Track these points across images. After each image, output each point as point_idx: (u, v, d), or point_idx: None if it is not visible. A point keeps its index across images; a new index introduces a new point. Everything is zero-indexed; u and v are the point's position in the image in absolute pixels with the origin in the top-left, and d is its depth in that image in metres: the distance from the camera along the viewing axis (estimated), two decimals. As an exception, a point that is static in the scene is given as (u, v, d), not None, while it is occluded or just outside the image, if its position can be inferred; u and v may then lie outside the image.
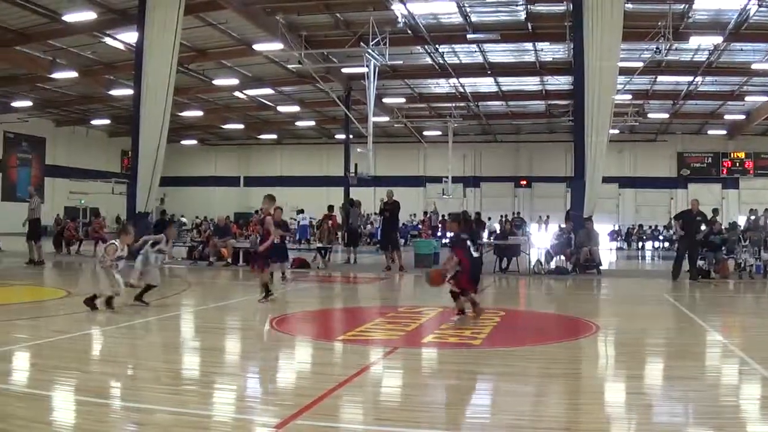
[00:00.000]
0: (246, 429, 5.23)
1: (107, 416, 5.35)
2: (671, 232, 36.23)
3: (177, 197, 50.59)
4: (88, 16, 24.42)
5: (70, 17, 24.40)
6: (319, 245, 22.66)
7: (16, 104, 40.19)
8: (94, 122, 47.55)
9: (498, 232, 24.26)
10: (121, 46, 28.71)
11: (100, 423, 5.10)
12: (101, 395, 5.91)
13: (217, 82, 34.65)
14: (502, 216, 38.51)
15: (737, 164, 47.47)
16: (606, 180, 23.59)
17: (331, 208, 25.80)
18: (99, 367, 7.27)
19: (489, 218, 37.48)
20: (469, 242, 10.45)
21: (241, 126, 48.71)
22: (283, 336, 9.34)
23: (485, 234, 26.19)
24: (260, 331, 10.17)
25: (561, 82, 35.00)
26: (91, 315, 10.50)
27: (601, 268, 20.42)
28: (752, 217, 23.16)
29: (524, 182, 50.84)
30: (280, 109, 42.63)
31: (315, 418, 5.24)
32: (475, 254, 10.52)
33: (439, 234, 35.66)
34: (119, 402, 5.86)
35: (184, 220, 37.18)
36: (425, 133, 46.93)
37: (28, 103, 40.13)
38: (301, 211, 38.31)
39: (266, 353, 8.43)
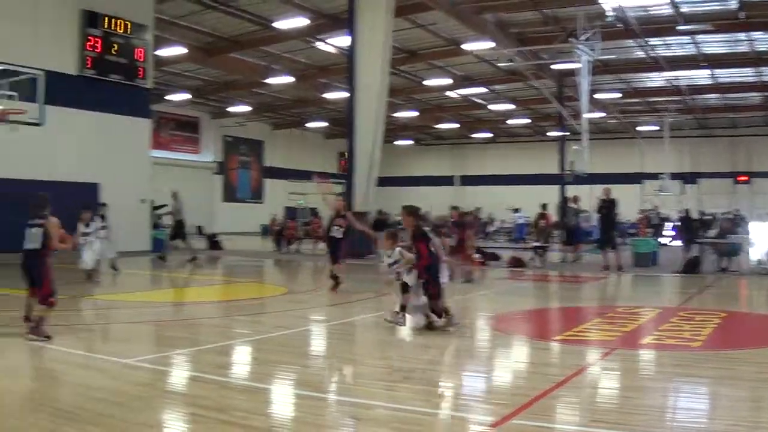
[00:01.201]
0: (462, 427, 5.13)
1: (324, 410, 5.40)
2: None
3: (392, 197, 51.83)
4: (300, 22, 25.50)
5: (281, 24, 25.62)
6: (536, 244, 22.27)
7: (233, 109, 43.12)
8: (310, 125, 49.85)
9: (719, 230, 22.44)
10: (333, 50, 29.79)
11: (318, 416, 5.15)
12: (319, 389, 5.99)
13: (428, 82, 35.02)
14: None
15: None
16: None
17: (545, 206, 25.19)
18: (317, 362, 7.41)
19: (712, 216, 34.74)
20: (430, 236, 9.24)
21: (454, 125, 48.98)
22: (500, 335, 9.21)
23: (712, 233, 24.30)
24: (478, 329, 10.03)
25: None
26: (310, 312, 10.84)
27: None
28: None
29: (743, 178, 47.04)
30: (492, 107, 42.38)
31: (531, 418, 5.08)
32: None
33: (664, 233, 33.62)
34: (337, 396, 5.91)
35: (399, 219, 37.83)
36: (640, 128, 44.78)
37: (246, 108, 42.88)
38: (517, 210, 37.92)
39: (483, 351, 8.35)
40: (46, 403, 5.00)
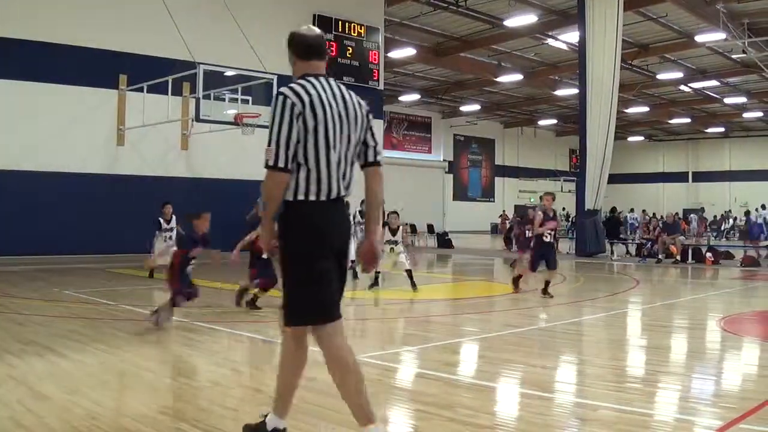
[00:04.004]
0: (687, 430, 4.81)
1: (550, 410, 5.25)
2: None
3: (624, 194, 49.84)
4: (529, 19, 25.19)
5: (511, 22, 25.42)
6: None
7: (464, 108, 43.44)
8: (541, 122, 49.19)
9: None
10: (563, 47, 29.19)
11: (542, 416, 5.00)
12: (545, 389, 5.83)
13: (660, 76, 33.61)
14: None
15: None
16: None
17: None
18: (544, 361, 7.21)
19: None
20: None
21: (687, 120, 46.40)
22: (731, 336, 8.59)
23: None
24: (707, 330, 9.44)
25: None
26: (539, 311, 10.64)
27: None
28: None
29: None
30: (727, 101, 39.91)
31: (760, 423, 4.77)
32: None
33: None
34: (562, 396, 5.74)
35: (635, 216, 36.43)
36: None
37: (476, 107, 43.07)
38: (763, 207, 35.02)
39: (712, 353, 7.85)
40: (269, 394, 5.14)
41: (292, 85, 3.81)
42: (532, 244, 12.62)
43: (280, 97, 3.74)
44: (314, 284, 3.78)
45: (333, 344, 3.83)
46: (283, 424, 4.02)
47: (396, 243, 12.93)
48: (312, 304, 3.80)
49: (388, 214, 13.26)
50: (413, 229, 30.45)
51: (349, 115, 3.86)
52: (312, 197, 3.77)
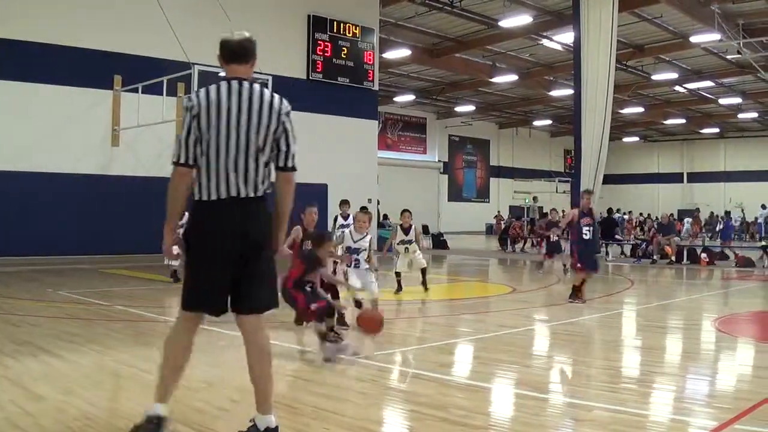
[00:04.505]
0: (682, 431, 4.87)
1: (544, 410, 5.28)
2: None
3: (619, 195, 49.94)
4: (524, 20, 25.22)
5: (506, 22, 25.44)
6: (764, 243, 21.05)
7: (459, 109, 43.48)
8: (536, 123, 49.25)
9: None
10: (558, 47, 29.23)
11: (537, 417, 5.03)
12: (539, 389, 5.85)
13: (655, 77, 33.66)
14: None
15: None
16: None
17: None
18: (539, 362, 7.25)
19: None
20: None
21: (682, 121, 46.53)
22: (726, 337, 8.66)
23: None
24: (702, 331, 9.54)
25: None
26: (535, 312, 10.68)
27: None
28: None
29: None
30: (722, 101, 39.96)
31: (754, 423, 4.81)
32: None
33: None
34: (557, 397, 5.76)
35: (626, 216, 36.68)
36: None
37: (471, 108, 43.11)
38: (763, 207, 35.32)
39: (707, 354, 7.95)
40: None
41: (201, 89, 4.06)
42: (569, 243, 12.25)
43: (185, 100, 4.06)
44: (195, 276, 4.10)
45: (255, 334, 4.18)
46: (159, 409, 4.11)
47: (410, 242, 12.61)
48: (192, 293, 4.12)
49: (401, 213, 13.00)
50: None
51: (251, 120, 4.00)
52: (203, 197, 4.02)
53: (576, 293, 11.37)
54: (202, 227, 4.08)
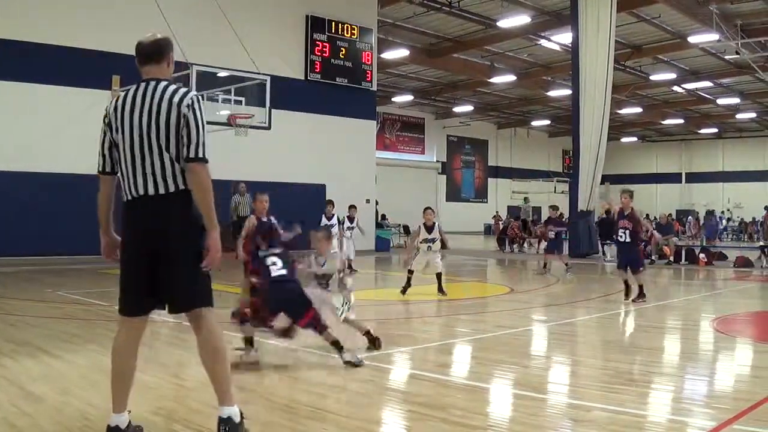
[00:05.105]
0: (680, 431, 4.87)
1: (543, 410, 5.28)
2: None
3: (617, 195, 49.89)
4: (522, 20, 25.27)
5: (504, 22, 25.48)
6: (762, 243, 21.09)
7: (457, 109, 43.49)
8: (534, 123, 49.25)
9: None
10: (556, 47, 29.27)
11: (535, 417, 5.03)
12: (538, 390, 5.86)
13: (653, 77, 33.82)
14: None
15: None
16: None
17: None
18: (538, 362, 7.25)
19: None
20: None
21: (680, 121, 46.56)
22: (724, 337, 8.65)
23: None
24: (700, 331, 9.54)
25: None
26: (533, 312, 10.68)
27: None
28: None
29: None
30: (720, 101, 40.11)
31: (752, 424, 4.82)
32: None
33: None
34: (556, 397, 5.76)
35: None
36: None
37: (470, 108, 43.10)
38: (766, 208, 35.33)
39: (705, 354, 7.92)
40: (266, 396, 5.15)
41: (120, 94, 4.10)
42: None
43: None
44: (120, 279, 4.12)
45: (200, 332, 4.10)
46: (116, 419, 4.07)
47: (433, 240, 12.12)
48: (120, 296, 4.13)
49: (423, 211, 12.44)
50: (406, 229, 30.43)
51: (150, 118, 3.97)
52: (122, 199, 4.08)
53: (639, 294, 11.52)
54: (122, 229, 4.14)
